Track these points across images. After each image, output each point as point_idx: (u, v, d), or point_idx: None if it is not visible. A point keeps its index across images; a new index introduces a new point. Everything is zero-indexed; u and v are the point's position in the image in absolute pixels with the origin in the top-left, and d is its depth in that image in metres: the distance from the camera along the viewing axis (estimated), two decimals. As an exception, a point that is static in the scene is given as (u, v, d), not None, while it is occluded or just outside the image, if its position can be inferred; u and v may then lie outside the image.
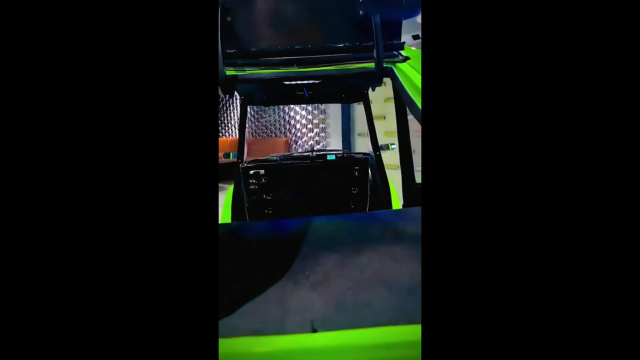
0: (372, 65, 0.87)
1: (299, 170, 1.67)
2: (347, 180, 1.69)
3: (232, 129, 6.16)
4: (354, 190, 1.64)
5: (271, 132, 5.42)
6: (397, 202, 1.71)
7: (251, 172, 1.58)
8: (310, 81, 1.04)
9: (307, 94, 1.44)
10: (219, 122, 6.08)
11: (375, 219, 0.97)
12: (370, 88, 0.81)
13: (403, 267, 0.63)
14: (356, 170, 1.62)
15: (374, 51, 0.83)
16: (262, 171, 1.60)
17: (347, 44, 0.89)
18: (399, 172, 1.61)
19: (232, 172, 1.85)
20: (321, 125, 4.89)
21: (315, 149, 2.33)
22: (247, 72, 0.88)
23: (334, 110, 4.78)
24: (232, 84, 0.88)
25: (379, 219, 0.97)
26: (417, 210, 0.90)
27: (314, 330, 0.44)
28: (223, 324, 0.45)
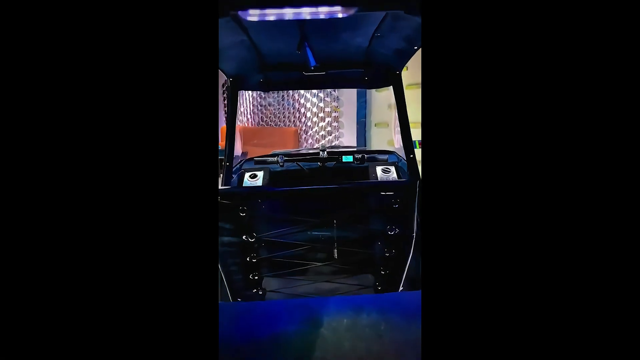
0: None
1: (305, 196, 1.07)
2: (381, 213, 1.10)
3: (241, 115, 5.95)
4: (392, 231, 1.07)
5: (279, 121, 5.17)
6: None
7: (224, 201, 0.97)
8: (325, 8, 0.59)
9: (312, 62, 0.92)
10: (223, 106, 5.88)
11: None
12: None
13: None
14: (397, 200, 1.01)
15: None
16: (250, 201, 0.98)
17: None
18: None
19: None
20: (334, 114, 4.64)
21: (326, 146, 1.75)
22: None
23: (349, 96, 4.54)
24: None
25: None
26: None
27: None
28: None
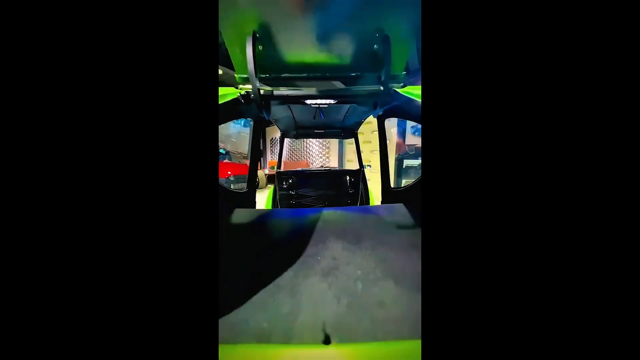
0: (377, 88, 1.03)
1: (314, 176, 2.47)
2: (346, 185, 2.44)
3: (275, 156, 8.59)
4: (350, 190, 2.36)
5: (299, 157, 8.28)
6: (374, 202, 2.58)
7: (283, 175, 2.40)
8: (327, 100, 1.19)
9: (322, 117, 1.85)
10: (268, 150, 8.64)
11: (368, 211, 1.15)
12: (375, 108, 1.06)
13: (401, 254, 0.70)
14: (352, 177, 2.43)
15: (382, 74, 0.93)
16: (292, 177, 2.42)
17: (359, 73, 0.99)
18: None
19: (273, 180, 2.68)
20: (326, 155, 7.63)
21: (323, 167, 3.44)
22: (278, 89, 1.05)
23: (333, 144, 7.46)
24: (266, 101, 1.05)
25: (371, 211, 1.14)
26: (397, 206, 1.21)
27: (325, 340, 0.41)
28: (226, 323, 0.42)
